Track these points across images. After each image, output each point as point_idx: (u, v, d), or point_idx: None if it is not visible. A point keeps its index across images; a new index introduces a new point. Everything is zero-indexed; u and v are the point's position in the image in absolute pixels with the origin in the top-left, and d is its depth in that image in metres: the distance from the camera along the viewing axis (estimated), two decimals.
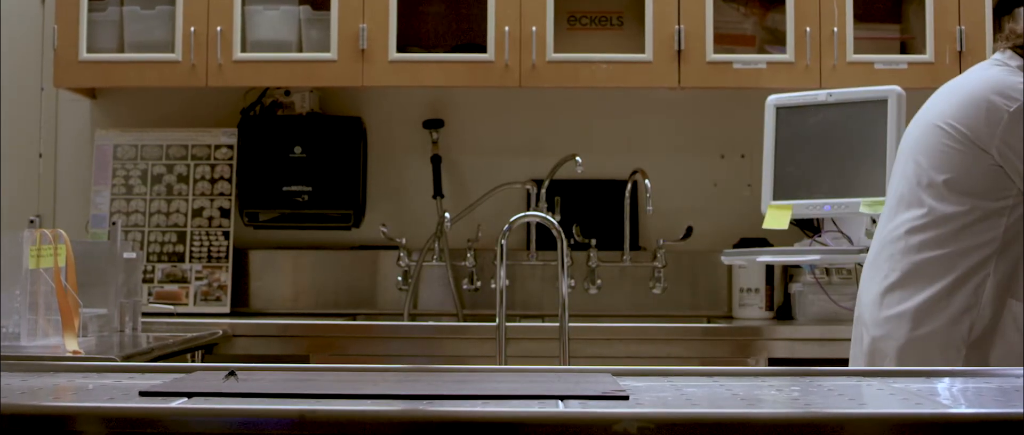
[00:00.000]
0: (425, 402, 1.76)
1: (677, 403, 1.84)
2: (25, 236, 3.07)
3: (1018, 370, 2.16)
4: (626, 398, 1.83)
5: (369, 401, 1.78)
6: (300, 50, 4.37)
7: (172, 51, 4.32)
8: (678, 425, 1.66)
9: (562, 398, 1.81)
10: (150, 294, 4.41)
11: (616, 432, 1.61)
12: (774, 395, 1.93)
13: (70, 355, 2.92)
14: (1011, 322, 2.97)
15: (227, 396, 1.81)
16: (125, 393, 1.88)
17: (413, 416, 1.67)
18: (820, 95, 3.96)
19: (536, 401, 1.78)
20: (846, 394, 1.91)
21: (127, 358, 3.02)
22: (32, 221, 3.21)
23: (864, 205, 3.84)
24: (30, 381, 2.04)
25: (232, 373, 2.01)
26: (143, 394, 1.83)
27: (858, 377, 2.12)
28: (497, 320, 2.92)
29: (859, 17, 4.29)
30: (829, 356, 3.84)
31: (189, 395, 1.80)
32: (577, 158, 4.33)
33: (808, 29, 4.24)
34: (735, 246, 4.39)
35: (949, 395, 1.97)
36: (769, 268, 4.33)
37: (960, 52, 4.22)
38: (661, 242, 4.52)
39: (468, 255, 4.53)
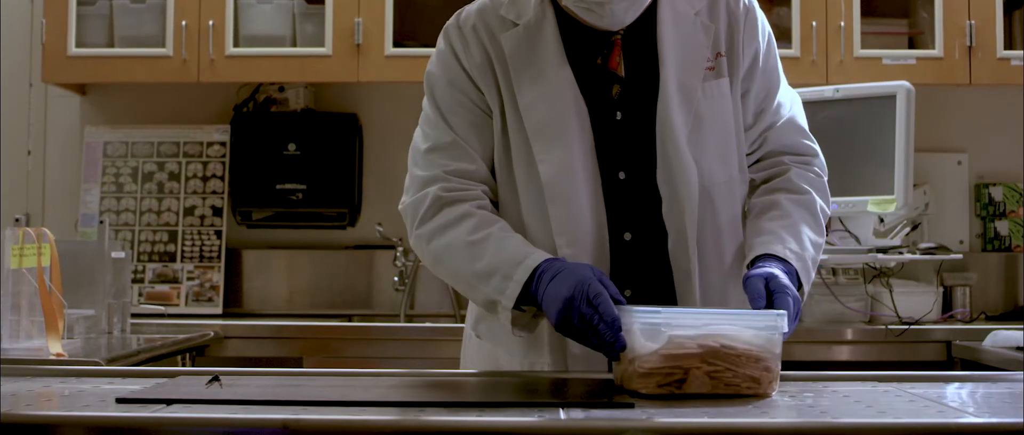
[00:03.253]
0: (418, 410, 1.68)
1: (685, 411, 1.75)
2: (7, 235, 2.99)
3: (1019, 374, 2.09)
4: (631, 405, 1.75)
5: (359, 409, 1.70)
6: (294, 45, 4.28)
7: (163, 46, 4.23)
8: (687, 434, 1.59)
9: (563, 406, 1.72)
10: (141, 295, 4.32)
11: None
12: (787, 401, 1.84)
13: (53, 358, 2.83)
14: None
15: (208, 403, 1.72)
16: (102, 400, 1.79)
17: (406, 425, 1.58)
18: (827, 91, 3.88)
19: (536, 409, 1.70)
20: (863, 401, 1.83)
21: (113, 361, 2.94)
22: (17, 220, 3.12)
23: (872, 204, 3.75)
24: (7, 386, 1.96)
25: (215, 378, 1.92)
26: (120, 401, 1.75)
27: (873, 382, 2.04)
28: None
29: (866, 11, 4.19)
30: (837, 359, 3.76)
31: (168, 402, 1.72)
32: None
33: (814, 24, 4.14)
34: None
35: (964, 401, 1.89)
36: None
37: (970, 47, 4.13)
38: None
39: None
